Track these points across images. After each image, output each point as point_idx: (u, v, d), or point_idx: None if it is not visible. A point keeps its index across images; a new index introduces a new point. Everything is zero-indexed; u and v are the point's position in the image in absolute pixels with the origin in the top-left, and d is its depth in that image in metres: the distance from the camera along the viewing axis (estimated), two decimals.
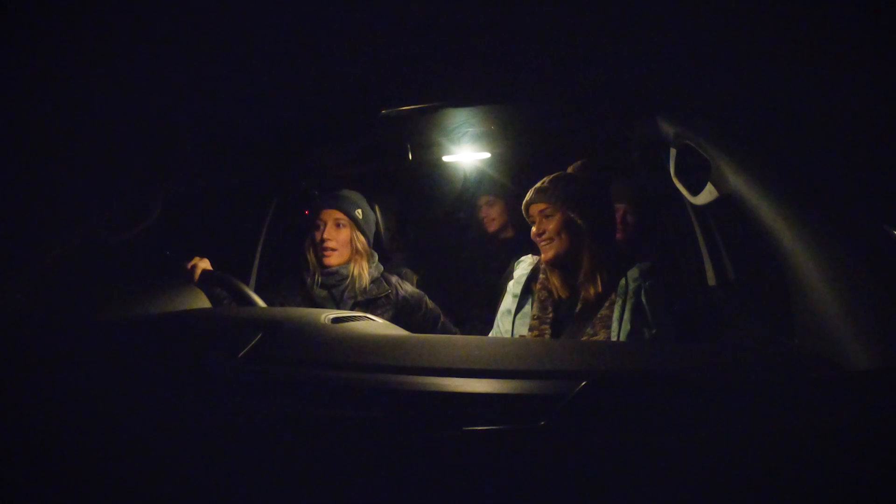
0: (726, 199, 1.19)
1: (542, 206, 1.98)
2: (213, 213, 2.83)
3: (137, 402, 1.00)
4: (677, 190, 1.44)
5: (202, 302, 1.68)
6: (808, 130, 1.24)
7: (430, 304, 2.41)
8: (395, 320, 2.22)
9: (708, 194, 1.25)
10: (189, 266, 2.01)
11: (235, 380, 1.02)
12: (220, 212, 2.85)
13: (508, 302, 2.08)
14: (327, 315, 1.28)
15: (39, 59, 1.49)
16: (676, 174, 1.40)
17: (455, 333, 2.44)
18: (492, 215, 3.26)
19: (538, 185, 2.03)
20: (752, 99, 1.29)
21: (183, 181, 1.94)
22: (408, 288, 2.40)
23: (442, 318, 2.42)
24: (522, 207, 2.07)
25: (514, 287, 2.09)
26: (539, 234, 1.98)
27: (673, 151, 1.38)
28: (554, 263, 1.97)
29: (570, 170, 2.06)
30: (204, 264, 2.04)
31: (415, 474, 0.85)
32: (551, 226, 1.96)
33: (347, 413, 0.91)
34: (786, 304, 1.07)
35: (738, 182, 1.14)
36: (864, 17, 1.20)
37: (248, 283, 2.75)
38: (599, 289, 1.91)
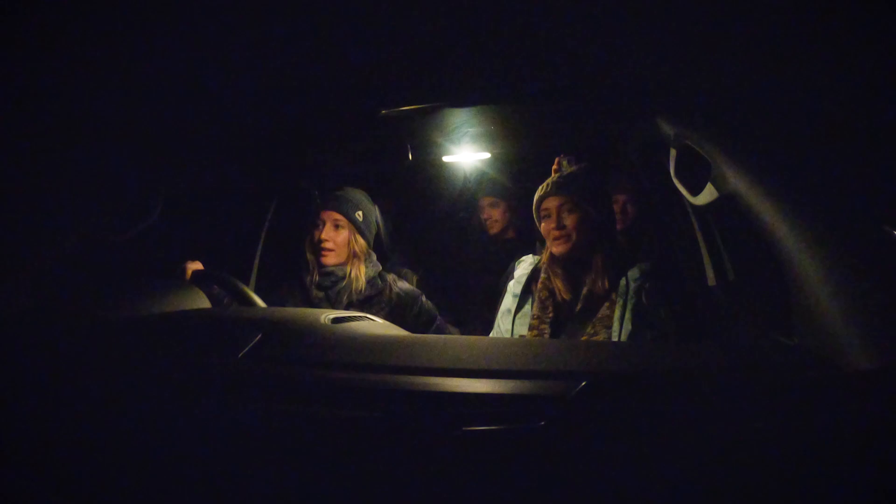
0: (726, 200, 1.19)
1: (561, 199, 1.97)
2: (214, 213, 2.83)
3: (137, 403, 1.00)
4: (677, 190, 1.44)
5: (202, 302, 1.68)
6: (809, 130, 1.24)
7: (426, 303, 2.40)
8: (390, 318, 2.21)
9: (708, 194, 1.25)
10: (179, 270, 2.03)
11: (235, 380, 1.02)
12: (220, 212, 2.85)
13: (508, 302, 2.08)
14: (327, 315, 1.28)
15: (40, 57, 1.49)
16: (676, 174, 1.40)
17: (452, 334, 2.44)
18: (495, 217, 3.23)
19: (553, 179, 2.02)
20: (752, 99, 1.29)
21: (183, 181, 1.94)
22: (403, 285, 2.39)
23: (438, 319, 2.41)
24: (535, 202, 2.05)
25: (514, 287, 2.09)
26: (558, 228, 1.95)
27: (673, 152, 1.38)
28: (564, 259, 1.96)
29: (573, 169, 2.06)
30: (194, 266, 2.05)
31: (415, 474, 0.85)
32: (571, 221, 1.94)
33: (347, 413, 0.91)
34: (786, 305, 1.07)
35: (738, 182, 1.14)
36: (864, 16, 1.20)
37: (247, 284, 2.75)
38: (606, 286, 1.91)
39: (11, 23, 1.44)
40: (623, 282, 1.91)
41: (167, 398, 0.99)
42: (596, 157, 2.38)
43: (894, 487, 0.77)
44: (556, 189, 1.98)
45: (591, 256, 1.95)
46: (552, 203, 1.98)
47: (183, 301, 1.59)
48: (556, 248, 1.96)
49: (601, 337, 1.84)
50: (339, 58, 1.48)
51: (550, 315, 1.96)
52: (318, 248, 2.30)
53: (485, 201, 3.26)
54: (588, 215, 1.94)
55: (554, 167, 2.16)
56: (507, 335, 2.01)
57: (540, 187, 2.04)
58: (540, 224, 2.04)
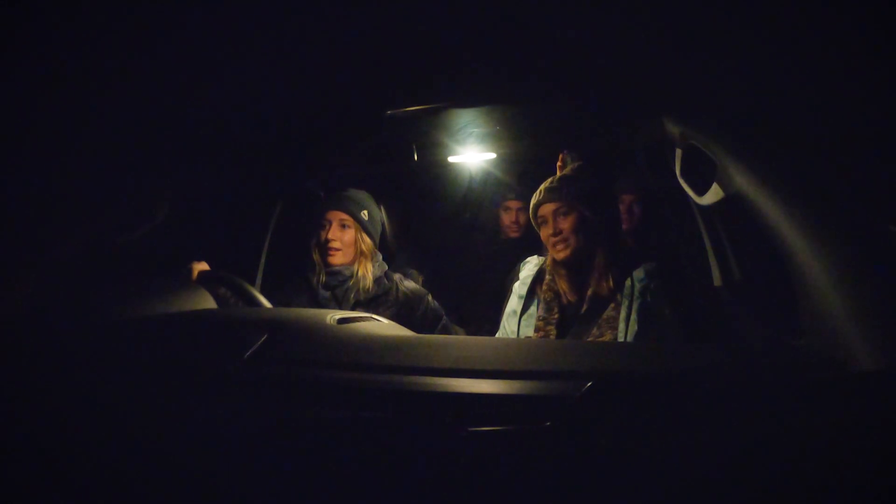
0: (732, 200, 1.19)
1: (555, 205, 1.95)
2: (220, 214, 2.84)
3: (142, 404, 1.00)
4: (683, 190, 1.44)
5: (208, 303, 1.68)
6: (815, 131, 1.24)
7: (432, 302, 2.40)
8: (396, 318, 2.21)
9: (714, 194, 1.25)
10: (185, 271, 2.03)
11: (241, 381, 1.02)
12: (226, 213, 2.86)
13: (514, 303, 2.08)
14: (333, 315, 1.28)
15: (44, 58, 1.50)
16: (682, 174, 1.40)
17: (457, 335, 2.43)
18: (522, 221, 3.20)
19: (547, 184, 2.01)
20: (758, 99, 1.28)
21: (189, 182, 1.95)
22: (409, 285, 2.40)
23: (443, 319, 2.40)
24: (531, 209, 2.05)
25: (519, 288, 2.09)
26: (555, 234, 1.94)
27: (678, 151, 1.38)
28: (567, 263, 1.95)
29: (566, 171, 2.06)
30: (200, 266, 2.06)
31: (421, 475, 0.85)
32: (567, 225, 1.93)
33: (354, 414, 0.91)
34: (791, 305, 1.06)
35: (743, 182, 1.13)
36: (867, 17, 1.20)
37: (254, 284, 2.76)
38: (611, 285, 1.90)
39: (13, 21, 1.45)
40: (628, 282, 1.91)
41: (172, 399, 1.00)
42: (601, 157, 2.38)
43: None
44: (549, 195, 1.97)
45: (593, 258, 1.94)
46: (547, 209, 1.97)
47: (189, 301, 1.60)
48: (557, 254, 1.95)
49: (607, 338, 1.84)
50: (345, 59, 1.48)
51: (556, 316, 1.96)
52: (324, 249, 2.31)
53: (512, 203, 3.22)
54: (584, 218, 1.93)
55: (559, 163, 2.16)
56: (513, 336, 2.01)
57: (535, 194, 2.03)
58: (539, 230, 2.03)
